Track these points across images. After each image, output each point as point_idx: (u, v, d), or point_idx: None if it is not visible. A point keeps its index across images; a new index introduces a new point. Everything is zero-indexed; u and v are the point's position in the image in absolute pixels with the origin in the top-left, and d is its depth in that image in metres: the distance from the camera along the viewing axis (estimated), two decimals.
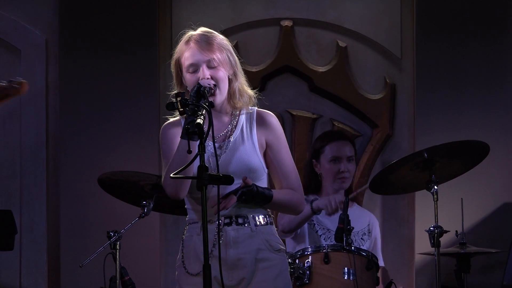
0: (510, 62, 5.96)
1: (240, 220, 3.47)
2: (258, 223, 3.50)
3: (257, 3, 6.07)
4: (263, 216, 3.52)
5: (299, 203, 3.58)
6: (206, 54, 3.48)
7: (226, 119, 3.55)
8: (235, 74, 3.54)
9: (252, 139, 3.53)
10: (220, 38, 3.55)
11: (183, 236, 3.56)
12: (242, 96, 3.55)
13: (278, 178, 3.56)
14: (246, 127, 3.54)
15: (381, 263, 5.08)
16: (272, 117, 3.59)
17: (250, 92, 3.59)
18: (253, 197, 3.42)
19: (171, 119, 3.58)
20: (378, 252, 5.14)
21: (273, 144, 3.55)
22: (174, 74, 3.58)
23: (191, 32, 3.56)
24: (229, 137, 3.52)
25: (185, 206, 3.58)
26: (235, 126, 3.55)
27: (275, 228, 3.60)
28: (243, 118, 3.56)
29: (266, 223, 3.52)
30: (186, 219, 3.58)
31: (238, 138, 3.52)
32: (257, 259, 3.47)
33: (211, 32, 3.57)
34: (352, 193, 5.03)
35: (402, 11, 6.04)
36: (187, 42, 3.53)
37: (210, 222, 3.43)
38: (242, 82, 3.56)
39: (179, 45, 3.56)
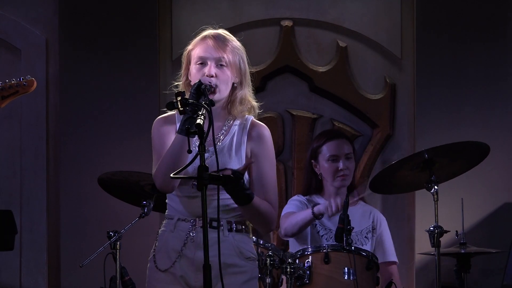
0: (510, 62, 5.96)
1: (214, 224, 3.43)
2: (231, 229, 3.49)
3: (257, 3, 6.07)
4: (238, 223, 3.51)
5: (272, 220, 3.51)
6: (218, 52, 3.49)
7: (219, 124, 3.52)
8: (241, 83, 3.53)
9: (240, 150, 3.51)
10: (237, 43, 3.57)
11: (159, 230, 3.56)
12: (242, 105, 3.53)
13: (256, 189, 3.49)
14: (238, 136, 3.52)
15: (393, 257, 5.09)
16: (265, 130, 3.56)
17: (254, 103, 3.58)
18: (238, 188, 3.35)
19: (165, 114, 3.56)
20: (388, 247, 5.11)
21: (258, 155, 3.51)
22: (183, 65, 3.58)
23: (210, 30, 3.58)
24: (218, 142, 3.50)
25: (166, 201, 3.56)
26: (227, 132, 3.53)
27: (251, 238, 3.58)
28: (236, 126, 3.54)
29: (240, 231, 3.51)
30: (165, 214, 3.57)
31: (227, 146, 3.50)
32: (225, 264, 3.43)
33: (229, 35, 3.59)
34: (355, 197, 5.03)
35: (402, 11, 6.04)
36: (204, 37, 3.54)
37: (185, 221, 3.47)
38: (246, 93, 3.55)
39: (195, 38, 3.57)
